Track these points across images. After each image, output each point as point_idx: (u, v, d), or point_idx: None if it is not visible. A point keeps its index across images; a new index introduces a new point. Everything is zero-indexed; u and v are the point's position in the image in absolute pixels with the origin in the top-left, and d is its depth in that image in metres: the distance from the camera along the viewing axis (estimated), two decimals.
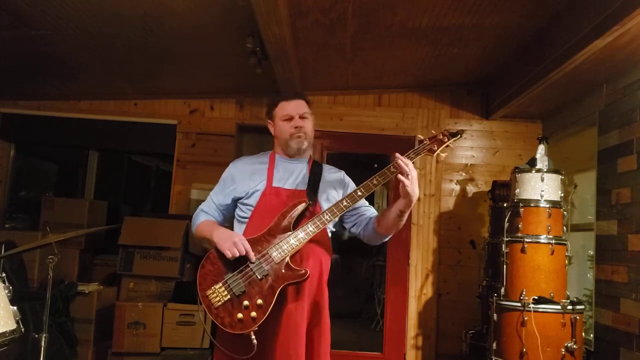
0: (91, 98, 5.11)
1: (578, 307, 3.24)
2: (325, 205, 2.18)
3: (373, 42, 3.87)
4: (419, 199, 4.83)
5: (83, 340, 4.23)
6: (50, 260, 3.23)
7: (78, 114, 5.11)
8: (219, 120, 5.08)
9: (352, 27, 3.58)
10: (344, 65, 4.35)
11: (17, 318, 2.06)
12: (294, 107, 2.24)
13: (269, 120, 2.32)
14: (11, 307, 2.05)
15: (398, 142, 4.86)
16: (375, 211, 2.29)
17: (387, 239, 2.26)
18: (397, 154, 1.99)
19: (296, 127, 2.21)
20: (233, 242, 1.99)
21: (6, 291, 2.07)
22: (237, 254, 1.97)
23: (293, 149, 2.24)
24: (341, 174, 2.36)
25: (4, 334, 1.93)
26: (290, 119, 2.22)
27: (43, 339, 3.16)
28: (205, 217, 2.27)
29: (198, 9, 3.26)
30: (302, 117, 2.23)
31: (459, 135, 2.17)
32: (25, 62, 4.27)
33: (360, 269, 7.80)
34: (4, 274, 2.32)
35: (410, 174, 1.97)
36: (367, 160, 6.00)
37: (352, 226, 2.29)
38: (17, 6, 3.19)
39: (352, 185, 2.32)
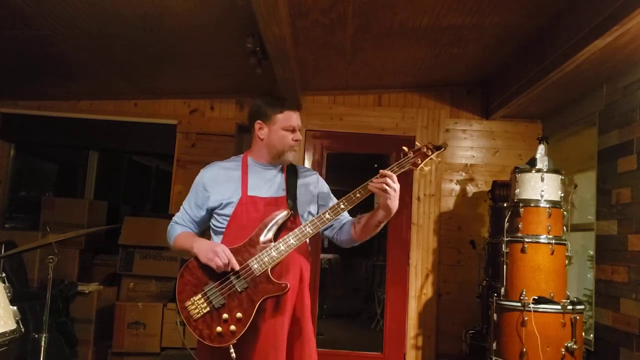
0: (91, 98, 5.11)
1: (578, 307, 3.24)
2: (302, 211, 2.15)
3: (373, 42, 3.87)
4: (418, 199, 4.83)
5: (83, 340, 4.23)
6: (50, 260, 3.23)
7: (78, 114, 5.11)
8: (219, 120, 5.08)
9: (352, 27, 3.58)
10: (344, 65, 4.35)
11: (17, 318, 2.06)
12: (298, 119, 2.18)
13: (259, 121, 2.16)
14: (11, 307, 2.05)
15: (398, 142, 4.86)
16: (349, 215, 2.24)
17: (357, 244, 2.25)
18: (381, 171, 1.98)
19: (297, 140, 2.16)
20: (215, 252, 1.95)
21: (6, 291, 2.08)
22: (221, 264, 1.94)
23: (286, 161, 2.19)
24: (315, 177, 2.30)
25: (4, 334, 1.93)
26: (294, 130, 2.15)
27: (43, 339, 3.16)
28: (181, 229, 2.22)
29: (198, 9, 3.26)
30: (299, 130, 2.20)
31: (443, 149, 2.14)
32: (25, 62, 4.28)
33: (360, 269, 7.81)
34: (4, 274, 2.33)
35: (392, 188, 1.95)
36: (367, 160, 6.00)
37: (326, 229, 2.24)
38: (17, 6, 3.19)
39: (325, 188, 2.29)
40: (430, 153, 2.09)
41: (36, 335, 3.21)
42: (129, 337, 4.21)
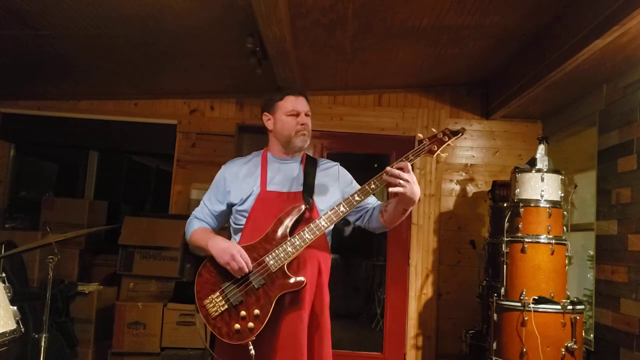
0: (91, 98, 5.11)
1: (578, 307, 3.24)
2: (321, 205, 2.13)
3: (373, 42, 3.87)
4: (419, 199, 4.83)
5: (83, 340, 4.23)
6: (50, 260, 3.23)
7: (78, 114, 5.11)
8: (219, 120, 5.08)
9: (352, 27, 3.58)
10: (344, 65, 4.35)
11: (17, 318, 2.06)
12: (301, 103, 2.17)
13: (266, 113, 2.21)
14: (11, 307, 2.05)
15: (398, 142, 4.86)
16: (377, 200, 2.25)
17: (389, 229, 2.26)
18: (395, 163, 1.94)
19: (303, 124, 2.15)
20: (231, 256, 1.95)
21: (6, 291, 2.08)
22: (237, 269, 1.95)
23: (296, 147, 2.18)
24: (336, 168, 2.29)
25: (4, 334, 1.93)
26: (297, 114, 2.16)
27: (43, 339, 3.16)
28: (199, 224, 2.22)
29: (198, 9, 3.26)
30: (307, 115, 2.18)
31: (461, 134, 2.06)
32: (25, 62, 4.27)
33: (360, 269, 7.79)
34: (4, 274, 2.32)
35: (405, 179, 1.91)
36: (367, 160, 6.00)
37: (357, 219, 2.26)
38: (17, 6, 3.19)
39: (347, 178, 2.28)
40: (447, 139, 2.02)
41: (36, 335, 3.20)
42: (129, 337, 4.21)
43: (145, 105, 5.13)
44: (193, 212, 2.27)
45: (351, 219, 2.27)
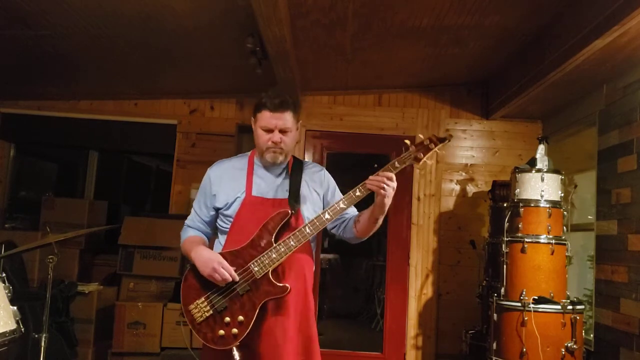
0: (91, 98, 5.11)
1: (578, 307, 3.24)
2: (306, 211, 2.13)
3: (373, 42, 3.87)
4: (418, 199, 4.84)
5: (83, 340, 4.24)
6: (50, 260, 3.23)
7: (78, 114, 5.11)
8: (219, 120, 5.08)
9: (352, 27, 3.58)
10: (344, 65, 4.35)
11: (17, 318, 2.06)
12: (275, 120, 2.07)
13: (252, 117, 2.17)
14: (11, 307, 2.05)
15: (398, 142, 4.85)
16: (356, 210, 2.24)
17: (364, 239, 2.26)
18: (379, 172, 1.98)
19: (273, 142, 2.09)
20: (213, 268, 1.96)
21: (6, 291, 2.08)
22: (220, 280, 1.95)
23: (267, 162, 2.15)
24: (321, 174, 2.28)
25: (4, 334, 1.93)
26: (270, 131, 2.09)
27: (43, 339, 3.16)
28: (191, 232, 2.23)
29: (198, 9, 3.26)
30: (282, 131, 2.09)
31: (447, 141, 2.04)
32: (25, 62, 4.28)
33: (360, 269, 7.80)
34: (4, 274, 2.33)
35: (391, 187, 1.94)
36: (367, 160, 6.00)
37: (333, 228, 2.26)
38: (17, 6, 3.19)
39: (332, 184, 2.27)
40: (433, 146, 2.00)
41: (36, 335, 3.21)
42: (129, 337, 4.21)
43: (145, 105, 5.13)
44: (185, 221, 2.27)
45: (328, 226, 2.24)
